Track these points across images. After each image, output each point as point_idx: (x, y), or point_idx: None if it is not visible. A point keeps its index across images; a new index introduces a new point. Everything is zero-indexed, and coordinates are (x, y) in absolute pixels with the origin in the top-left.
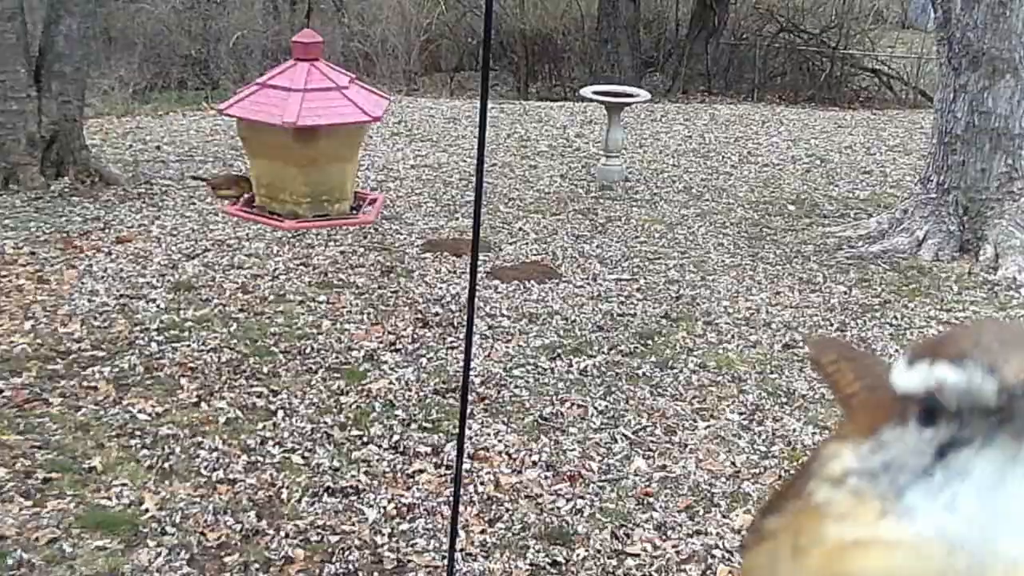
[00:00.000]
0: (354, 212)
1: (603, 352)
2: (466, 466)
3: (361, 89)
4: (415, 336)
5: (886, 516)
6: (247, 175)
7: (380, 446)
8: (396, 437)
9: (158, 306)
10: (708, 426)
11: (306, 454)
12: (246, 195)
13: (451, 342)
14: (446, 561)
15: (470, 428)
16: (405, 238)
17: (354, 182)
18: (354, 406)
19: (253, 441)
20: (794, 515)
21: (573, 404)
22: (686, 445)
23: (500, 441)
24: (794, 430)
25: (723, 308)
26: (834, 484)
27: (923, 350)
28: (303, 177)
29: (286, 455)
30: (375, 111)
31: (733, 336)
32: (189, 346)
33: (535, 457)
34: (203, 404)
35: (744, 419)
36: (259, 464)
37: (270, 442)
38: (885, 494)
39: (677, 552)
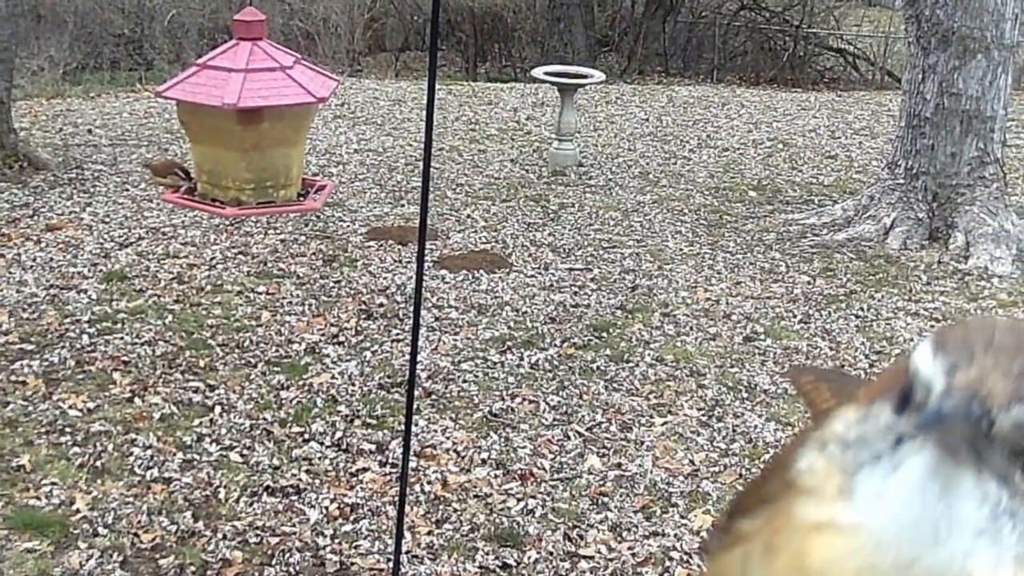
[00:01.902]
0: (300, 199)
1: (555, 345)
2: (412, 464)
3: (307, 69)
4: (359, 328)
5: (841, 494)
6: (187, 163)
7: (322, 443)
8: (339, 434)
9: (90, 297)
10: (665, 422)
11: (244, 452)
12: (186, 184)
13: (396, 334)
14: (391, 564)
15: (416, 425)
16: (348, 226)
17: (301, 167)
18: (295, 401)
19: (189, 438)
20: (771, 515)
21: (524, 399)
22: (642, 442)
23: (448, 438)
24: (755, 426)
25: (681, 299)
26: (819, 447)
27: (944, 333)
28: (246, 162)
29: (223, 453)
30: (321, 92)
31: (691, 328)
32: (122, 339)
33: (484, 455)
34: (137, 399)
35: (703, 415)
36: (195, 462)
37: (207, 439)
38: (846, 468)
39: (633, 554)
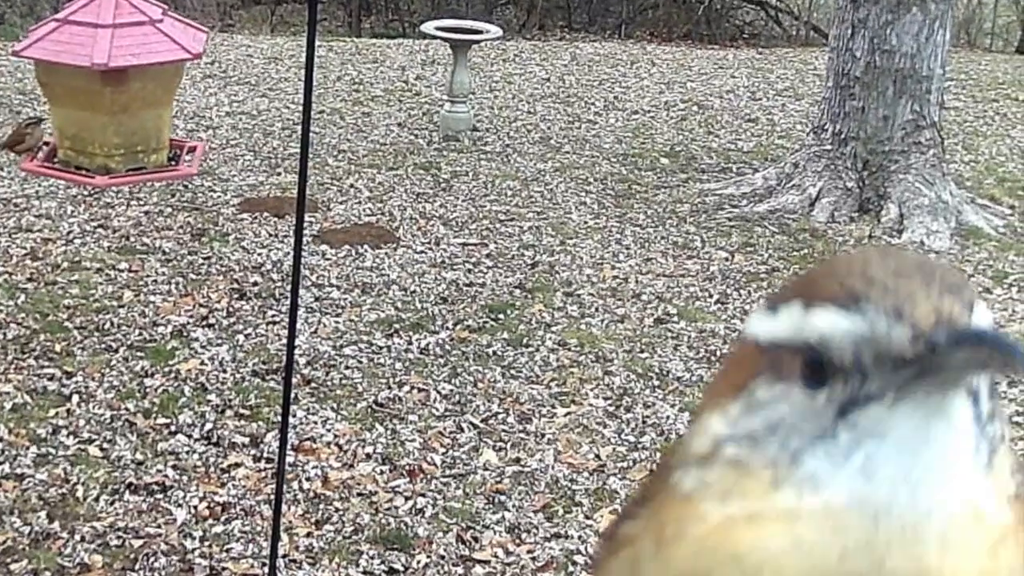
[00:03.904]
0: (172, 163)
1: (447, 328)
2: (290, 459)
3: (176, 22)
4: (231, 309)
5: (782, 486)
6: (37, 119)
7: (190, 436)
8: (209, 426)
9: None
10: (568, 413)
11: (105, 445)
12: (45, 146)
13: (272, 316)
14: (266, 569)
15: (294, 415)
16: (219, 196)
17: (169, 129)
18: (160, 390)
19: (44, 430)
20: (655, 510)
21: (413, 388)
22: (543, 435)
23: (329, 430)
24: (668, 417)
25: (586, 277)
26: (703, 462)
27: (788, 292)
28: (115, 126)
29: (82, 446)
30: (195, 47)
31: (597, 309)
32: None
33: (369, 449)
34: None
35: (610, 405)
36: (51, 457)
37: (63, 431)
38: (775, 460)
39: (533, 558)
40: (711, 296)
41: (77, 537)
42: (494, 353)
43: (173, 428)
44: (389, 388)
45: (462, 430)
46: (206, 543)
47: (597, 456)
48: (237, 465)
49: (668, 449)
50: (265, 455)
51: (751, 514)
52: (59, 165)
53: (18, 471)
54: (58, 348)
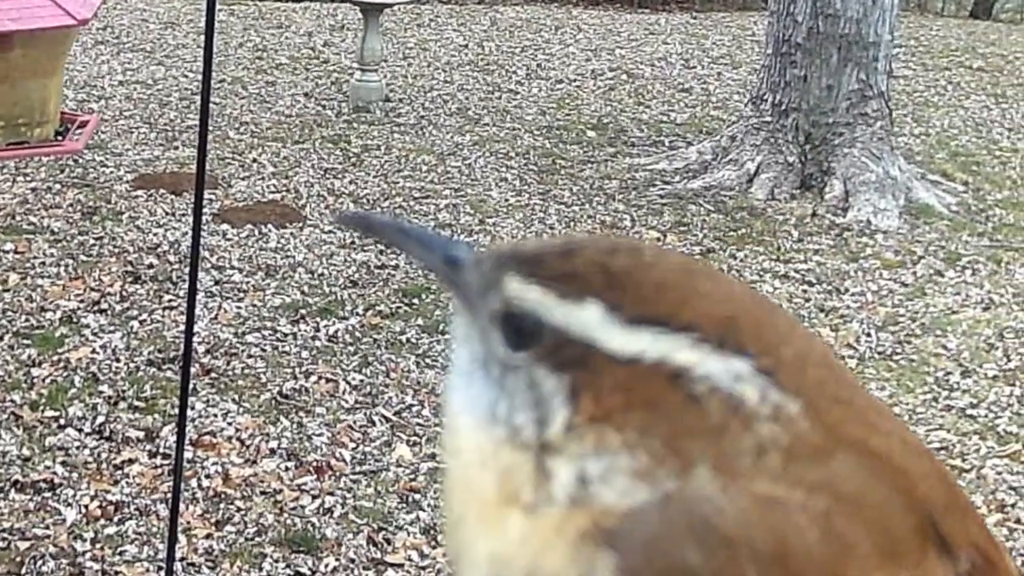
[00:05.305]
0: (59, 138)
1: (358, 313)
2: (188, 455)
3: None
4: (124, 293)
5: None
6: None
7: (81, 430)
8: (101, 419)
9: None
10: None
11: None
12: None
13: (169, 301)
14: (163, 572)
15: (192, 408)
16: (112, 172)
17: (59, 101)
18: (48, 380)
19: None
20: None
21: (321, 378)
22: None
23: (230, 424)
24: None
25: None
26: None
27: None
28: None
29: None
30: (82, 13)
31: None
32: None
33: (273, 444)
34: None
35: None
36: None
37: None
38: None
39: (449, 561)
40: None
41: None
42: (408, 340)
43: (62, 421)
44: (295, 378)
45: (373, 423)
46: (98, 545)
47: None
48: (131, 461)
49: None
50: (161, 450)
51: None
52: None
53: None
54: None
